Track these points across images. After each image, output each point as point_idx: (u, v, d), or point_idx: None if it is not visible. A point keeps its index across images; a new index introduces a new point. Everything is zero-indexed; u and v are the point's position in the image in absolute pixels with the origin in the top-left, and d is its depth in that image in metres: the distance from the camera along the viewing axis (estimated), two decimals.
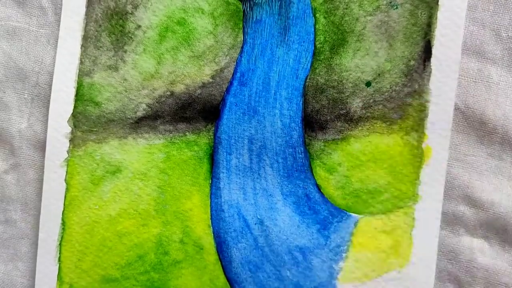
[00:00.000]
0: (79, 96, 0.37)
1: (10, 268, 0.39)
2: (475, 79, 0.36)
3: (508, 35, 0.35)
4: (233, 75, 0.36)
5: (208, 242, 0.37)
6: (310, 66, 0.36)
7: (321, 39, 0.36)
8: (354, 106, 0.36)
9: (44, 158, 0.37)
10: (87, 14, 0.37)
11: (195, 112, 0.37)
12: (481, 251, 0.36)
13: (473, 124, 0.36)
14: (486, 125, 0.36)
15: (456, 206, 0.36)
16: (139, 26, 0.37)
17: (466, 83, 0.36)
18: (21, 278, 0.38)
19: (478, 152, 0.36)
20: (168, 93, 0.37)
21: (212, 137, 0.37)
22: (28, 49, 0.38)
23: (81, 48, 0.37)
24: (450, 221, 0.36)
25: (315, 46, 0.36)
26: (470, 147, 0.36)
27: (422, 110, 0.35)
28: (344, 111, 0.36)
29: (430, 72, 0.35)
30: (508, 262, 0.36)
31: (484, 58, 0.36)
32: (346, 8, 0.36)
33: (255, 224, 0.36)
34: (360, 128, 0.36)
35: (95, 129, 0.37)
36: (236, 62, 0.36)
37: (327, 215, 0.36)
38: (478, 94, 0.36)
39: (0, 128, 0.38)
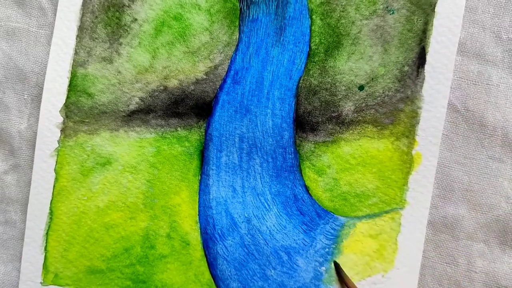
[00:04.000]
0: (72, 87, 0.37)
1: (10, 268, 0.39)
2: (475, 81, 0.36)
3: (508, 37, 0.35)
4: (227, 73, 0.36)
5: (195, 238, 0.37)
6: (304, 68, 0.36)
7: (316, 41, 0.36)
8: (346, 109, 0.36)
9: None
10: (84, 4, 0.37)
11: (188, 108, 0.37)
12: (481, 255, 0.36)
13: (473, 127, 0.36)
14: (486, 127, 0.36)
15: (455, 209, 0.36)
16: (136, 20, 0.37)
17: (466, 85, 0.36)
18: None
19: (478, 155, 0.36)
20: (162, 87, 0.37)
21: (203, 133, 0.37)
22: (28, 50, 0.38)
23: (76, 38, 0.37)
24: (449, 224, 0.36)
25: (310, 47, 0.36)
26: (469, 150, 0.36)
27: (414, 117, 0.35)
28: (336, 114, 0.36)
29: (424, 78, 0.35)
30: (507, 265, 0.36)
31: (484, 60, 0.36)
32: (343, 11, 0.36)
33: (242, 222, 0.36)
34: (351, 131, 0.36)
35: (87, 120, 0.37)
36: (231, 60, 0.36)
37: (314, 217, 0.36)
38: (478, 97, 0.36)
39: (0, 128, 0.38)
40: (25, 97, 0.38)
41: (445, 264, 0.36)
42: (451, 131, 0.36)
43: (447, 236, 0.36)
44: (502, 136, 0.36)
